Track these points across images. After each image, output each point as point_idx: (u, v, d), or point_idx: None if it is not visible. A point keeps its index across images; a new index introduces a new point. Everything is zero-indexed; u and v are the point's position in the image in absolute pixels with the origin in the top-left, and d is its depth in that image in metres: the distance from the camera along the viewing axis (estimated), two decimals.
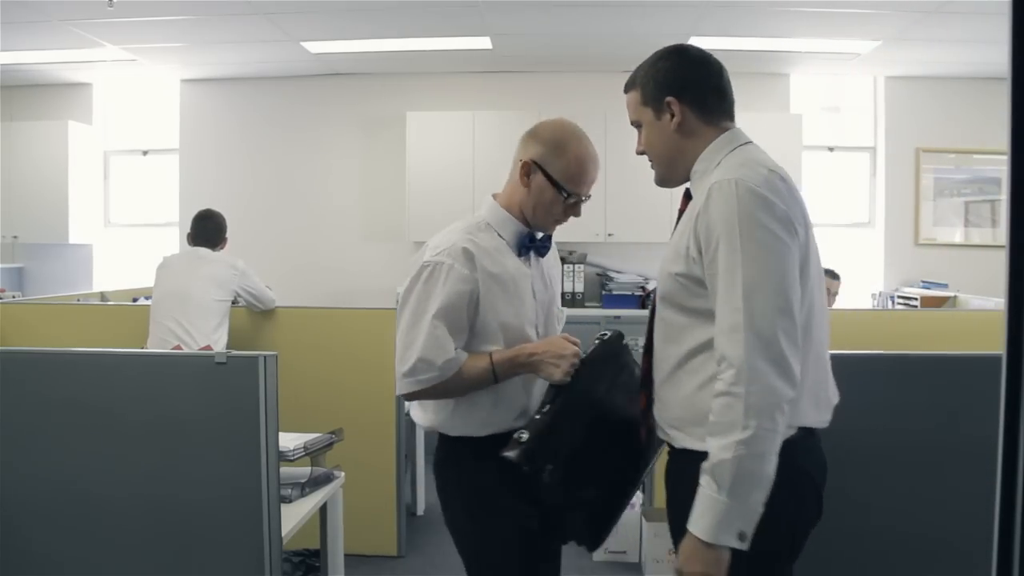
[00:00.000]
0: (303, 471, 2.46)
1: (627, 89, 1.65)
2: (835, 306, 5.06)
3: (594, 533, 1.74)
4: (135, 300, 4.97)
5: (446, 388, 1.74)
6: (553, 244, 1.94)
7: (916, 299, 5.24)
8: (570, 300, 5.76)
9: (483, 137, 5.58)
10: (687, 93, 1.56)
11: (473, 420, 1.80)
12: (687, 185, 1.61)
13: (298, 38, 5.26)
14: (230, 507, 1.92)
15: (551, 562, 1.89)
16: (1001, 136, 0.69)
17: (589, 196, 1.86)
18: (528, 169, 1.81)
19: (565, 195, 1.80)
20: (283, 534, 2.03)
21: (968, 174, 6.11)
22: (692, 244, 1.46)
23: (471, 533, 1.84)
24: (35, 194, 5.94)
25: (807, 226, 1.48)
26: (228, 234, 4.09)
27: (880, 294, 5.97)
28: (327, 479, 2.51)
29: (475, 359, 1.74)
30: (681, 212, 1.59)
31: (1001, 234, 5.97)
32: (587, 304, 5.81)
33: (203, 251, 3.94)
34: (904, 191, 6.11)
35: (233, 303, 3.87)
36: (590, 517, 1.72)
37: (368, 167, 6.22)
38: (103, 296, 5.19)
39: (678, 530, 1.44)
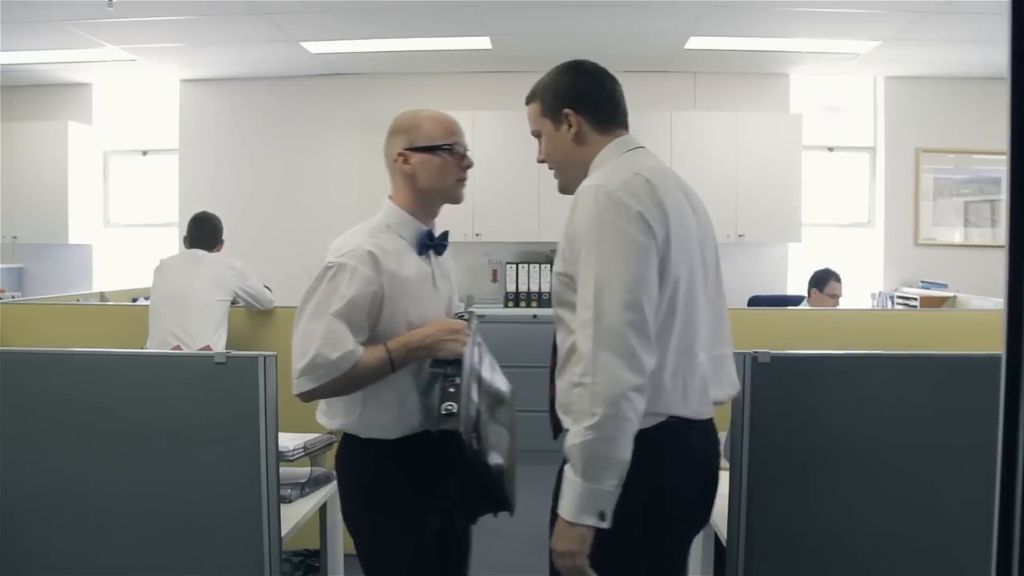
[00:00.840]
0: (303, 471, 2.46)
1: (528, 101, 1.75)
2: (836, 306, 5.07)
3: (507, 496, 1.80)
4: (135, 300, 4.96)
5: (343, 383, 1.75)
6: (448, 243, 2.00)
7: (916, 299, 5.24)
8: None
9: (483, 137, 5.57)
10: (582, 104, 1.67)
11: (383, 421, 1.82)
12: None
13: (298, 38, 5.26)
14: (230, 507, 1.92)
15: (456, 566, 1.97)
16: (1001, 136, 0.69)
17: (470, 151, 1.92)
18: (403, 159, 1.88)
19: (446, 151, 1.87)
20: (283, 534, 2.03)
21: (968, 174, 6.11)
22: (564, 245, 1.57)
23: (370, 539, 1.86)
24: (35, 194, 5.94)
25: (678, 228, 1.56)
26: (226, 235, 4.09)
27: (880, 294, 5.98)
28: (327, 479, 2.51)
29: (370, 351, 1.76)
30: None
31: (1001, 234, 5.96)
32: None
33: (200, 253, 3.94)
34: (904, 191, 6.12)
35: (232, 304, 3.87)
36: (500, 482, 1.77)
37: (368, 167, 6.20)
38: (103, 296, 5.18)
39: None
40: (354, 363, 1.73)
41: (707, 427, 1.65)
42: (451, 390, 1.72)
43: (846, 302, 5.70)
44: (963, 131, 5.99)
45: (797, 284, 5.95)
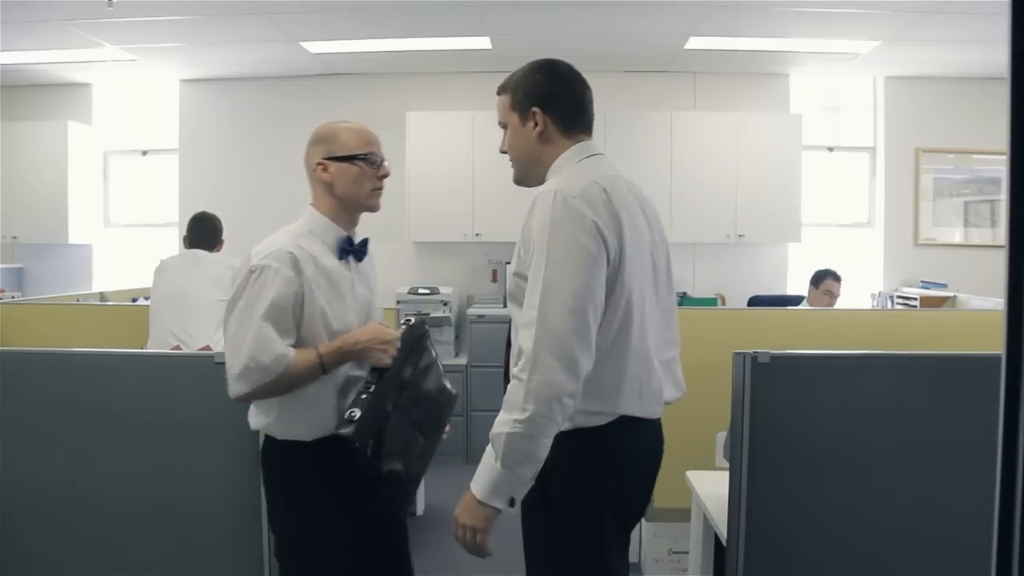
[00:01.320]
0: None
1: (499, 92, 1.80)
2: (836, 306, 5.07)
3: (404, 499, 1.94)
4: (134, 300, 4.96)
5: (277, 385, 1.78)
6: (370, 250, 2.06)
7: (916, 299, 5.24)
8: None
9: (483, 137, 5.57)
10: (550, 105, 1.72)
11: (299, 423, 1.85)
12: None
13: (298, 38, 5.26)
14: (230, 507, 1.92)
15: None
16: (1000, 136, 0.69)
17: (386, 161, 2.01)
18: (322, 167, 1.94)
19: (363, 160, 1.94)
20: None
21: (967, 174, 6.11)
22: (521, 246, 1.63)
23: (288, 538, 1.88)
24: (34, 194, 5.93)
25: (632, 236, 1.63)
26: (226, 235, 4.09)
27: (880, 294, 5.98)
28: None
29: (302, 354, 1.80)
30: None
31: (1000, 234, 5.96)
32: None
33: (201, 253, 3.93)
34: (904, 191, 6.12)
35: None
36: (399, 486, 1.87)
37: None
38: (102, 296, 5.18)
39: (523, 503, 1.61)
40: (286, 367, 1.77)
41: (657, 425, 1.74)
42: (363, 396, 1.79)
43: (847, 302, 5.71)
44: (963, 131, 5.99)
45: (797, 284, 5.95)
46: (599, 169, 1.69)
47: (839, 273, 5.09)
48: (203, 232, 4.00)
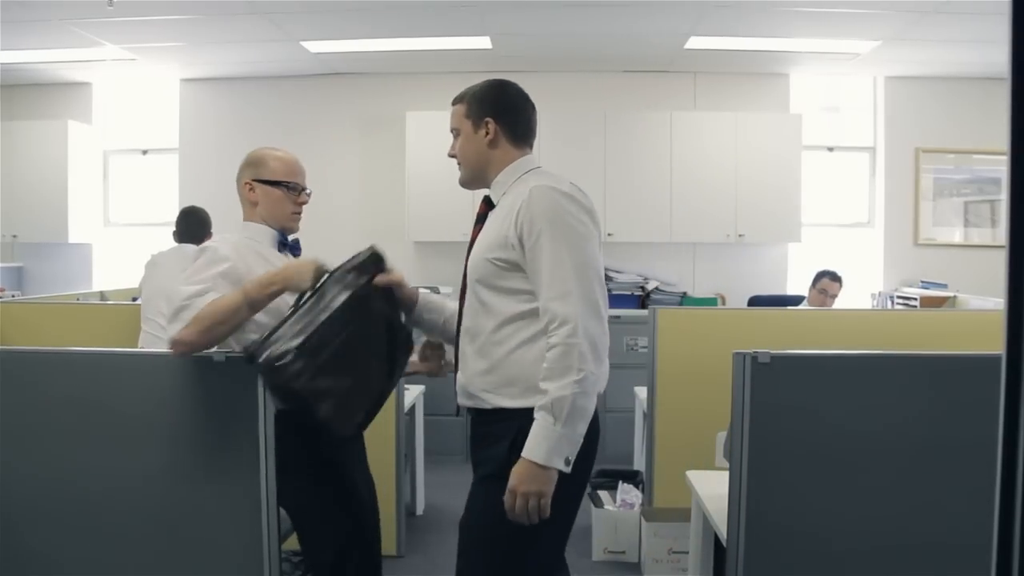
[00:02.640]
0: None
1: (455, 102, 1.98)
2: (835, 306, 5.07)
3: (345, 417, 1.92)
4: (135, 299, 4.95)
5: (207, 321, 1.87)
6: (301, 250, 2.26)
7: (916, 299, 5.25)
8: None
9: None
10: (502, 117, 1.92)
11: None
12: (487, 192, 1.96)
13: (298, 38, 5.26)
14: (230, 507, 1.92)
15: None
16: (1001, 136, 0.69)
17: (309, 191, 2.23)
18: (250, 187, 2.19)
19: (286, 188, 2.17)
20: (282, 534, 2.03)
21: (968, 174, 6.11)
22: (513, 233, 1.78)
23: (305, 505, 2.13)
24: (35, 193, 5.93)
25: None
26: (215, 229, 4.08)
27: (880, 294, 5.98)
28: None
29: (228, 295, 1.92)
30: (481, 213, 1.96)
31: (1000, 234, 5.97)
32: None
33: (189, 247, 3.94)
34: (904, 191, 6.12)
35: None
36: (338, 404, 1.89)
37: (368, 167, 6.22)
38: (103, 295, 5.19)
39: (483, 478, 1.84)
40: (211, 301, 1.89)
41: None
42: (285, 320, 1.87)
43: (847, 302, 5.71)
44: (963, 131, 5.99)
45: (797, 284, 5.96)
46: (560, 175, 1.90)
47: (838, 273, 5.10)
48: (190, 226, 4.02)
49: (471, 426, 1.93)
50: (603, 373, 1.76)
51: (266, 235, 2.18)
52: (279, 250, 2.19)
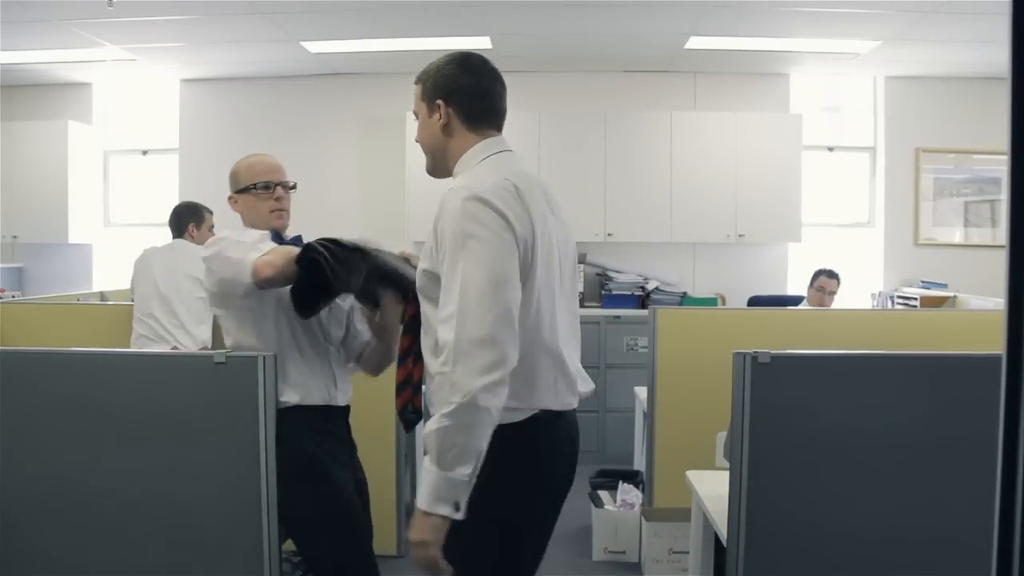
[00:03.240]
0: None
1: (416, 82, 1.84)
2: (835, 306, 5.08)
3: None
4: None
5: (286, 260, 2.02)
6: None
7: (916, 299, 5.24)
8: None
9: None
10: (455, 99, 1.74)
11: (310, 388, 2.13)
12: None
13: (298, 38, 5.26)
14: (230, 507, 1.92)
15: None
16: (1001, 136, 0.69)
17: (290, 184, 2.30)
18: (234, 200, 2.29)
19: (260, 189, 2.23)
20: (282, 534, 2.03)
21: (968, 174, 6.11)
22: (432, 242, 1.64)
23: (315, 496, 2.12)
24: (35, 194, 5.93)
25: (542, 231, 1.64)
26: (206, 219, 4.07)
27: (880, 294, 5.97)
28: None
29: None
30: None
31: (1001, 234, 5.97)
32: (587, 304, 5.80)
33: (177, 244, 3.96)
34: (904, 191, 6.11)
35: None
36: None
37: (368, 167, 6.21)
38: (103, 296, 5.19)
39: None
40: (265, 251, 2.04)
41: (572, 417, 1.76)
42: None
43: (847, 302, 5.71)
44: (963, 131, 5.98)
45: (797, 284, 5.95)
46: (508, 166, 1.70)
47: (835, 271, 5.11)
48: (173, 222, 4.05)
49: None
50: (494, 399, 1.49)
51: (264, 237, 2.21)
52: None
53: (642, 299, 5.79)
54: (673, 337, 3.45)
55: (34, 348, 2.14)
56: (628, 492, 3.81)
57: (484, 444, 1.49)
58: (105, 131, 6.43)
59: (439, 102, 1.75)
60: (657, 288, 5.86)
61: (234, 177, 2.29)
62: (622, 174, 5.78)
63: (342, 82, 6.21)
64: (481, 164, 1.71)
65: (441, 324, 1.54)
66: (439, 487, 1.49)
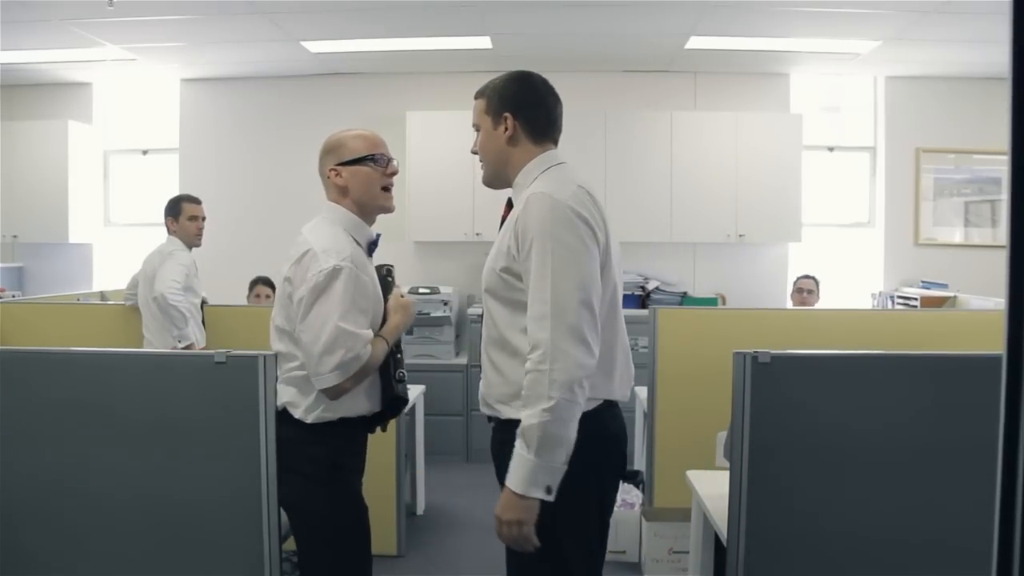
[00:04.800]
0: None
1: (476, 97, 1.92)
2: (835, 306, 5.09)
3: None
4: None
5: (363, 372, 2.03)
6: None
7: (916, 299, 5.25)
8: None
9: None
10: (521, 113, 1.84)
11: (355, 402, 2.12)
12: (511, 194, 1.89)
13: (298, 38, 5.26)
14: (230, 507, 1.92)
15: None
16: (1001, 136, 0.69)
17: (394, 160, 2.21)
18: (336, 173, 2.14)
19: (373, 162, 2.14)
20: (283, 534, 2.03)
21: (968, 174, 6.11)
22: (512, 244, 1.73)
23: (329, 514, 2.13)
24: (35, 193, 5.93)
25: (608, 233, 1.79)
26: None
27: (880, 294, 5.98)
28: None
29: (376, 343, 2.07)
30: (503, 218, 1.87)
31: (1001, 234, 5.97)
32: None
33: (161, 243, 4.02)
34: (904, 191, 6.11)
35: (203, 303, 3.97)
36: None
37: None
38: (103, 295, 5.20)
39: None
40: (369, 352, 2.01)
41: (620, 406, 1.90)
42: (399, 356, 2.16)
43: (848, 303, 5.71)
44: (963, 131, 5.98)
45: None
46: (576, 175, 1.82)
47: (809, 274, 5.30)
48: (164, 217, 4.08)
49: (492, 432, 1.91)
50: (582, 395, 1.65)
51: (363, 234, 2.18)
52: (369, 254, 2.19)
53: (642, 299, 5.79)
54: (673, 337, 3.46)
55: (34, 348, 2.14)
56: (628, 492, 3.81)
57: (575, 435, 1.63)
58: (105, 131, 6.43)
59: (506, 115, 1.85)
60: (657, 288, 5.87)
61: (338, 149, 2.15)
62: (622, 174, 5.78)
63: (342, 82, 6.21)
64: (545, 174, 1.82)
65: (535, 322, 1.65)
66: (536, 473, 1.62)
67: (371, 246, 2.19)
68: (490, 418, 1.89)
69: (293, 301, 2.05)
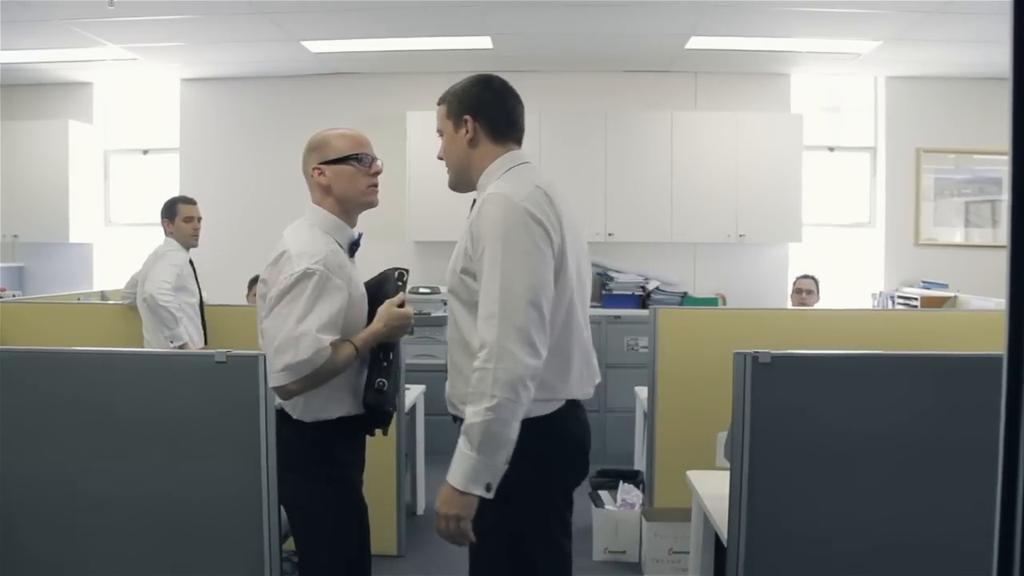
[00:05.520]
0: None
1: (439, 103, 1.97)
2: (835, 306, 5.09)
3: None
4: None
5: (317, 377, 1.99)
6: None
7: (916, 299, 5.25)
8: None
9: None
10: (481, 114, 1.88)
11: (331, 403, 2.10)
12: (475, 195, 1.91)
13: (298, 37, 5.26)
14: (230, 507, 1.92)
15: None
16: (1002, 136, 0.69)
17: (378, 160, 2.19)
18: (319, 171, 2.12)
19: (358, 161, 2.12)
20: (283, 534, 2.03)
21: (968, 174, 6.10)
22: (468, 244, 1.77)
23: (321, 513, 2.12)
24: (35, 193, 5.93)
25: (565, 234, 1.78)
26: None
27: (880, 294, 5.98)
28: None
29: (340, 349, 2.02)
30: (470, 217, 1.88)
31: (1001, 234, 5.96)
32: None
33: (156, 247, 4.06)
34: (904, 191, 6.11)
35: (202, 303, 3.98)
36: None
37: None
38: (103, 295, 5.20)
39: None
40: (327, 358, 1.97)
41: (583, 406, 1.93)
42: (385, 365, 2.11)
43: (848, 303, 5.71)
44: (964, 131, 5.98)
45: None
46: (536, 175, 1.84)
47: (808, 273, 5.28)
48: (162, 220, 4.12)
49: (457, 433, 1.93)
50: (526, 395, 1.66)
51: (343, 234, 2.16)
52: (350, 254, 2.16)
53: (642, 299, 5.79)
54: (673, 337, 3.45)
55: (34, 347, 2.14)
56: (628, 492, 3.81)
57: (516, 435, 1.65)
58: (106, 130, 6.43)
59: (466, 117, 1.88)
60: (658, 288, 5.86)
61: (321, 148, 2.13)
62: (623, 174, 5.78)
63: (343, 82, 6.21)
64: (507, 174, 1.84)
65: (483, 322, 1.67)
66: (477, 470, 1.64)
67: (352, 247, 2.18)
68: (455, 418, 1.90)
69: (266, 301, 2.05)
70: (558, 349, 1.75)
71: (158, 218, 4.12)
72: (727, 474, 1.94)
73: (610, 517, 3.71)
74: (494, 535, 1.75)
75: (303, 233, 2.09)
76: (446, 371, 1.93)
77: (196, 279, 4.07)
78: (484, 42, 5.35)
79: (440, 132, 1.95)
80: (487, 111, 1.89)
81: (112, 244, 6.47)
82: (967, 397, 1.85)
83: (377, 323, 2.10)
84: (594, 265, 6.00)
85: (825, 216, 6.21)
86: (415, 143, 5.74)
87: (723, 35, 5.15)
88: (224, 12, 4.71)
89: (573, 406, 1.85)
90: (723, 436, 2.22)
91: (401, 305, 2.14)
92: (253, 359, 1.90)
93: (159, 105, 6.41)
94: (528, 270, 1.68)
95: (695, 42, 5.31)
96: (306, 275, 1.97)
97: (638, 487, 3.83)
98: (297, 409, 2.08)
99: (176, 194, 4.47)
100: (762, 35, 5.14)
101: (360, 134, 2.17)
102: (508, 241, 1.69)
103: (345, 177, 2.12)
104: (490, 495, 1.66)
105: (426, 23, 4.96)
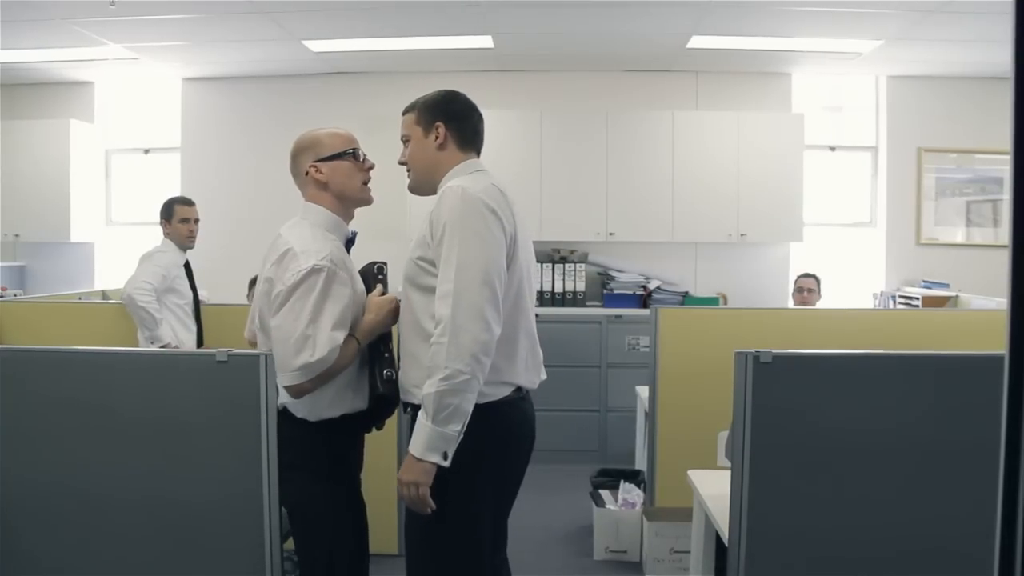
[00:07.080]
0: None
1: (405, 112, 2.10)
2: (835, 305, 5.09)
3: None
4: None
5: (329, 374, 2.01)
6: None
7: (917, 299, 5.24)
8: (571, 299, 5.76)
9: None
10: (452, 123, 2.04)
11: (335, 403, 2.10)
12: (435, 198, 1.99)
13: (300, 37, 5.26)
14: (231, 507, 1.92)
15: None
16: (1003, 136, 0.69)
17: (367, 155, 2.20)
18: (316, 168, 2.14)
19: (353, 156, 2.16)
20: (284, 534, 2.03)
21: (970, 174, 6.10)
22: (427, 232, 1.89)
23: (322, 513, 2.13)
24: (37, 192, 5.93)
25: (517, 228, 1.94)
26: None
27: (881, 294, 5.97)
28: None
29: (347, 344, 2.02)
30: None
31: (1003, 234, 5.96)
32: (588, 303, 5.80)
33: (149, 250, 4.07)
34: (906, 191, 6.11)
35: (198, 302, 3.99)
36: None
37: None
38: (105, 295, 5.20)
39: None
40: (338, 355, 1.99)
41: (531, 398, 2.06)
42: (387, 356, 2.13)
43: (849, 302, 5.70)
44: (965, 131, 5.97)
45: None
46: (491, 178, 2.01)
47: (809, 272, 5.27)
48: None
49: (410, 421, 1.96)
50: (480, 369, 1.78)
51: (341, 231, 2.17)
52: (348, 249, 2.18)
53: (644, 298, 5.79)
54: (675, 336, 3.45)
55: (35, 347, 2.14)
56: (629, 491, 3.81)
57: (471, 406, 1.78)
58: (107, 130, 6.43)
59: (438, 124, 2.03)
60: (659, 287, 5.86)
61: (315, 146, 2.15)
62: (624, 174, 5.77)
63: (344, 81, 6.21)
64: (467, 174, 1.99)
65: (438, 300, 1.81)
66: (433, 439, 1.77)
67: (348, 243, 2.20)
68: (407, 406, 2.01)
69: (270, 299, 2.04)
70: (505, 331, 1.86)
71: (158, 218, 4.12)
72: (728, 474, 1.94)
73: (611, 517, 3.71)
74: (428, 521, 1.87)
75: (304, 231, 2.09)
76: None
77: (191, 280, 4.07)
78: (485, 41, 5.35)
79: (404, 139, 2.08)
80: (456, 120, 2.05)
81: (113, 244, 6.48)
82: (968, 397, 1.84)
83: (368, 315, 2.11)
84: (595, 264, 6.04)
85: (826, 216, 6.20)
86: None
87: (724, 35, 5.15)
88: (225, 11, 4.71)
89: (520, 395, 1.98)
90: (724, 436, 2.22)
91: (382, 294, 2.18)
92: (254, 359, 1.90)
93: (160, 104, 6.41)
94: (483, 253, 1.82)
95: (696, 41, 5.30)
96: (314, 271, 1.97)
97: (639, 487, 3.83)
98: (303, 409, 2.08)
99: (176, 194, 4.47)
100: (763, 35, 5.14)
101: (348, 132, 2.21)
102: (465, 227, 1.82)
103: (343, 172, 2.15)
104: (447, 463, 1.78)
105: (427, 22, 4.96)
